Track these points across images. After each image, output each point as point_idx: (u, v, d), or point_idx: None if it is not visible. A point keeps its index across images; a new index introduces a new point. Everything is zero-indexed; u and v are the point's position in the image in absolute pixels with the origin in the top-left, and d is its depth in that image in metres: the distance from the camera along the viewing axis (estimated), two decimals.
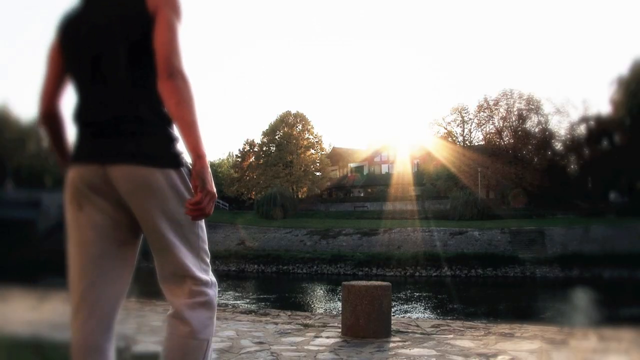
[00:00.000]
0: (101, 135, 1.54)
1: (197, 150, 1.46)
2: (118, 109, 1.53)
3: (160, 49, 1.51)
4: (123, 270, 1.64)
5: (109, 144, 1.53)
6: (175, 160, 1.56)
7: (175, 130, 1.55)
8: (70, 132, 1.72)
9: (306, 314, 5.60)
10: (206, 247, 1.68)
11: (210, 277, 1.67)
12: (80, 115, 1.60)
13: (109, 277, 1.60)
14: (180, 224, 1.58)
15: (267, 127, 50.83)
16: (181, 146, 1.56)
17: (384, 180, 51.80)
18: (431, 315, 16.47)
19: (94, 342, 1.56)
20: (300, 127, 50.85)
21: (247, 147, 52.65)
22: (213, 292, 1.66)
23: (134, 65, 1.55)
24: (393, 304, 6.82)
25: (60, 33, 1.67)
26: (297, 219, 39.35)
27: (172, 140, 1.57)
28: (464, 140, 47.57)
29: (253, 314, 5.27)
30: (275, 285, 25.72)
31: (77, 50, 1.62)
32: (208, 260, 1.68)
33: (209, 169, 1.49)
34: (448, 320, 5.12)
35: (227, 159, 60.63)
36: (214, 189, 1.49)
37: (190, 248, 1.61)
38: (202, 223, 1.65)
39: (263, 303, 18.85)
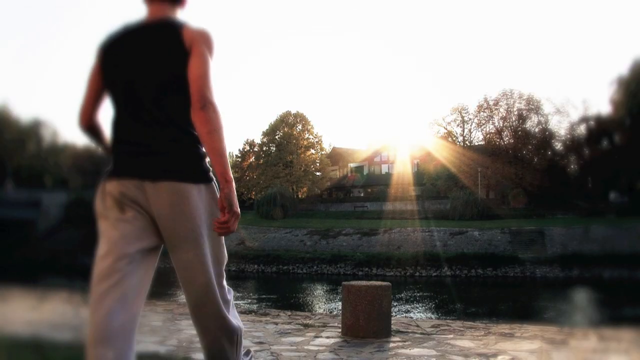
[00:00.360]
0: (139, 154, 1.73)
1: (225, 175, 1.66)
2: (154, 131, 1.72)
3: (194, 82, 1.69)
4: (148, 274, 1.77)
5: (147, 162, 1.71)
6: (205, 176, 1.76)
7: (204, 149, 1.74)
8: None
9: (306, 314, 5.59)
10: (226, 255, 1.89)
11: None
12: (119, 134, 1.78)
13: (137, 274, 1.71)
14: (209, 236, 1.77)
15: (267, 127, 50.87)
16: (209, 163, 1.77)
17: (384, 180, 51.81)
18: (431, 315, 16.47)
19: (116, 327, 1.64)
20: (300, 127, 50.85)
21: (247, 147, 52.69)
22: (231, 297, 1.91)
23: (169, 92, 1.73)
24: (393, 304, 6.81)
25: (102, 56, 1.84)
26: (297, 219, 39.36)
27: (202, 157, 1.76)
28: (464, 140, 47.56)
29: (253, 314, 5.27)
30: (275, 285, 25.73)
31: (117, 75, 1.79)
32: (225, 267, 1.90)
33: (235, 192, 1.68)
34: (448, 320, 5.12)
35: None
36: (239, 210, 1.69)
37: (215, 258, 1.82)
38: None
39: (263, 303, 18.86)
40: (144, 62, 1.75)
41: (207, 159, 1.76)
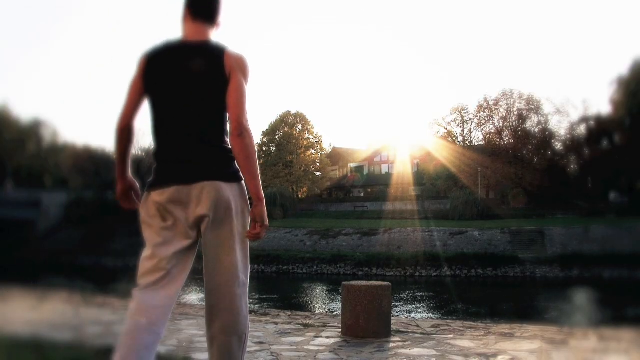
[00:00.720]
0: (180, 163, 1.98)
1: (258, 194, 1.97)
2: (193, 144, 1.98)
3: (232, 109, 1.96)
4: (186, 267, 2.04)
5: (188, 170, 1.97)
6: (236, 176, 2.02)
7: (233, 154, 2.00)
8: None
9: (306, 314, 5.59)
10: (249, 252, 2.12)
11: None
12: (161, 146, 2.03)
13: (177, 269, 2.00)
14: (239, 230, 2.02)
15: (267, 127, 50.87)
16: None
17: (384, 180, 51.81)
18: (431, 315, 16.46)
19: (154, 304, 1.92)
20: (300, 127, 50.85)
21: None
22: (247, 291, 2.09)
23: (208, 112, 1.99)
24: (393, 304, 6.81)
25: (144, 67, 2.05)
26: (297, 219, 39.35)
27: (232, 161, 2.01)
28: (464, 140, 47.58)
29: (253, 314, 5.27)
30: (275, 285, 25.71)
31: (160, 89, 2.03)
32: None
33: (265, 208, 2.00)
34: (448, 320, 5.12)
35: None
36: (268, 222, 2.00)
37: (241, 250, 2.04)
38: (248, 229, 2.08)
39: (263, 303, 18.85)
40: (187, 83, 1.98)
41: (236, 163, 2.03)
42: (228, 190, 1.98)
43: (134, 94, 2.07)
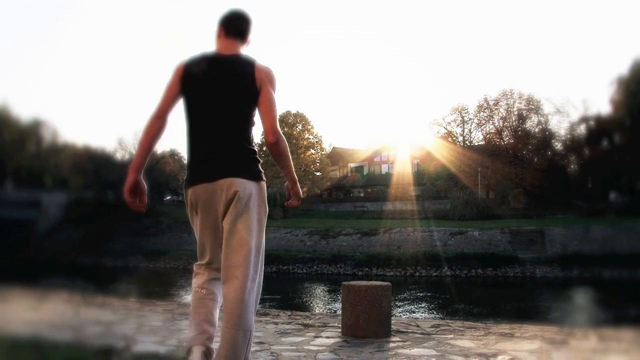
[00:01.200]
0: (212, 162, 2.24)
1: (294, 179, 2.41)
2: (223, 146, 2.24)
3: (266, 118, 2.26)
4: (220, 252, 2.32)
5: (219, 168, 2.23)
6: (259, 176, 2.31)
7: (257, 155, 2.35)
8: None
9: (306, 314, 5.58)
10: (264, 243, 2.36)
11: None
12: (195, 148, 2.29)
13: (219, 255, 2.28)
14: (255, 224, 2.25)
15: None
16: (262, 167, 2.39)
17: (384, 180, 51.81)
18: (431, 315, 16.46)
19: (210, 278, 2.32)
20: (300, 127, 50.83)
21: None
22: (258, 283, 2.28)
23: (238, 118, 2.26)
24: (393, 304, 6.80)
25: (182, 73, 2.29)
26: (297, 219, 39.35)
27: (257, 162, 2.31)
28: (464, 140, 47.55)
29: None
30: (275, 285, 25.70)
31: (197, 95, 2.27)
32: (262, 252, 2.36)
33: (299, 186, 2.46)
34: (448, 320, 5.12)
35: None
36: (301, 195, 2.48)
37: (256, 247, 2.24)
38: (264, 227, 2.35)
39: (263, 303, 18.84)
40: (220, 90, 2.24)
41: (259, 164, 2.34)
42: (249, 185, 2.23)
43: (170, 94, 2.30)
